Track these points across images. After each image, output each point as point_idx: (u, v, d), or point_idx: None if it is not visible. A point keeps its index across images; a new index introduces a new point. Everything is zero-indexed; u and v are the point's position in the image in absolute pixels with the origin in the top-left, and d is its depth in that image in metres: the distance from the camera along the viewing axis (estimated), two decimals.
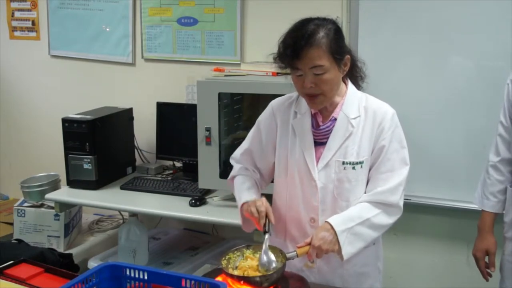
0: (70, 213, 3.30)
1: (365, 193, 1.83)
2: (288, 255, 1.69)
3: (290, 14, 3.16)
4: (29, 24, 3.91)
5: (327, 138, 1.82)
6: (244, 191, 1.91)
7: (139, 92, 3.55)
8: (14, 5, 3.94)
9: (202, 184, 2.83)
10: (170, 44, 3.42)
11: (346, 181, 1.80)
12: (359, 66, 1.92)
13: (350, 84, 1.87)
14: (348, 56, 1.78)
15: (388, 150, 1.79)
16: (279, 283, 1.67)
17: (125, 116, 3.39)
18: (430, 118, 2.78)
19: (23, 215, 3.30)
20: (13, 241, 2.96)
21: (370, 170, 1.83)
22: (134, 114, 3.45)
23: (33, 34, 3.91)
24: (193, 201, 2.82)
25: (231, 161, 2.06)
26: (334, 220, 1.73)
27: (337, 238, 1.70)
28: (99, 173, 3.08)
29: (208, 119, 2.73)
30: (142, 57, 3.53)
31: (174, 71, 3.43)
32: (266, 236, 1.75)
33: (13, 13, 3.97)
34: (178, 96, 3.37)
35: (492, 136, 2.56)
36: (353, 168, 1.79)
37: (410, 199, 2.85)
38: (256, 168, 2.00)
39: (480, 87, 2.67)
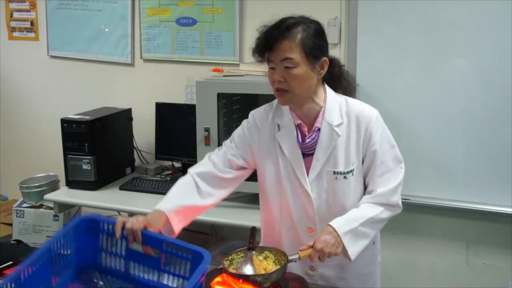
0: (69, 214, 3.30)
1: (364, 193, 1.83)
2: (290, 258, 1.69)
3: (289, 14, 3.17)
4: (28, 24, 3.91)
5: (314, 149, 1.80)
6: (170, 196, 1.81)
7: (138, 93, 3.55)
8: (13, 5, 3.94)
9: None
10: (169, 45, 3.41)
11: (339, 190, 1.80)
12: (346, 80, 1.89)
13: (328, 90, 1.83)
14: (325, 59, 1.74)
15: (380, 153, 1.78)
16: (279, 283, 1.67)
17: (124, 117, 3.39)
18: (429, 118, 2.78)
19: (22, 215, 3.30)
20: (12, 241, 2.95)
21: (365, 175, 1.82)
22: (133, 115, 3.45)
23: (32, 34, 3.91)
24: None
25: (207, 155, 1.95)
26: (336, 222, 1.72)
27: (340, 240, 1.69)
28: (98, 174, 3.08)
29: (207, 119, 2.73)
30: (141, 57, 3.53)
31: (173, 72, 3.43)
32: (252, 252, 1.74)
33: (11, 14, 3.96)
34: (177, 96, 3.37)
35: (492, 136, 2.56)
36: (345, 177, 1.78)
37: (409, 199, 2.85)
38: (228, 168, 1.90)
39: (480, 87, 2.67)
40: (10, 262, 1.85)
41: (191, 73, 3.32)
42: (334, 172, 1.78)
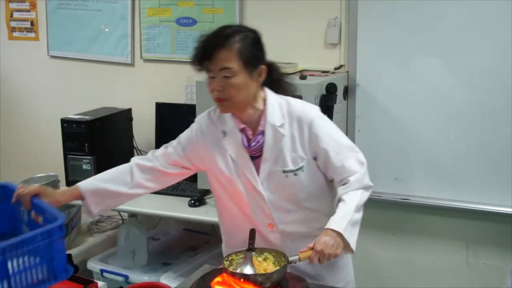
0: (69, 214, 3.29)
1: (332, 181, 1.86)
2: (290, 259, 1.69)
3: (289, 14, 3.18)
4: (28, 24, 3.91)
5: (261, 151, 1.82)
6: (95, 177, 1.95)
7: (138, 93, 3.55)
8: (13, 5, 3.94)
9: (202, 184, 2.82)
10: (169, 45, 3.41)
11: (291, 186, 1.82)
12: (286, 81, 1.91)
13: (268, 92, 1.84)
14: (263, 67, 1.77)
15: (332, 147, 1.79)
16: (280, 283, 1.67)
17: (124, 117, 3.39)
18: (430, 118, 2.78)
19: None
20: None
21: (325, 171, 1.84)
22: (133, 115, 3.44)
23: (32, 34, 3.91)
24: (192, 201, 2.82)
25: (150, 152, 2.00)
26: (333, 223, 1.73)
27: (340, 241, 1.69)
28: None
29: None
30: (141, 57, 3.53)
31: (173, 72, 3.43)
32: (252, 253, 1.74)
33: (12, 14, 3.96)
34: (177, 96, 3.37)
35: (492, 136, 2.56)
36: (295, 174, 1.81)
37: (409, 199, 2.86)
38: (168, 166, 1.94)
39: (480, 87, 2.67)
40: None
41: (191, 73, 3.28)
42: (284, 171, 1.81)
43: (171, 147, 1.96)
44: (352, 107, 2.91)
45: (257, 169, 1.83)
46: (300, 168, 1.81)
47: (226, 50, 1.69)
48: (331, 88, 2.63)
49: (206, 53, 1.71)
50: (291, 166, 1.80)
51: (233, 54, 1.69)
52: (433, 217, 2.89)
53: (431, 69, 2.75)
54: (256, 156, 1.83)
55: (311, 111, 1.84)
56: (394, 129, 2.85)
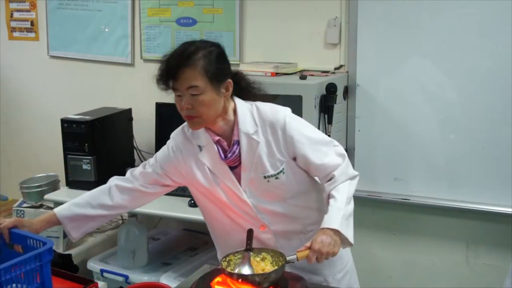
0: None
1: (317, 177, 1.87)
2: (288, 258, 1.69)
3: (289, 14, 3.18)
4: (28, 24, 3.91)
5: (239, 160, 1.82)
6: (73, 202, 1.94)
7: (138, 93, 3.54)
8: (13, 5, 3.94)
9: None
10: (169, 45, 3.41)
11: (275, 189, 1.83)
12: (255, 87, 1.90)
13: (237, 100, 1.84)
14: (230, 81, 1.77)
15: (309, 147, 1.80)
16: (278, 283, 1.67)
17: (124, 117, 3.39)
18: (430, 118, 2.78)
19: (22, 216, 3.29)
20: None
21: (307, 169, 1.84)
22: (133, 115, 3.45)
23: (32, 34, 3.91)
24: (192, 201, 2.81)
25: (129, 171, 2.00)
26: (327, 221, 1.73)
27: (337, 239, 1.70)
28: (98, 174, 3.08)
29: None
30: (141, 57, 3.53)
31: None
32: (250, 253, 1.75)
33: (12, 14, 3.96)
34: None
35: (492, 136, 2.55)
36: (276, 178, 1.81)
37: (409, 199, 2.85)
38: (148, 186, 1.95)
39: (480, 87, 2.67)
40: None
41: None
42: (265, 177, 1.81)
43: (149, 166, 1.96)
44: (352, 107, 2.91)
45: (238, 179, 1.83)
46: (281, 171, 1.81)
47: (190, 68, 1.69)
48: (331, 88, 2.63)
49: (171, 73, 1.71)
50: (271, 171, 1.80)
51: (198, 72, 1.69)
52: (433, 217, 2.89)
53: (431, 69, 2.75)
54: (235, 166, 1.83)
55: (282, 113, 1.82)
56: (394, 129, 2.85)
